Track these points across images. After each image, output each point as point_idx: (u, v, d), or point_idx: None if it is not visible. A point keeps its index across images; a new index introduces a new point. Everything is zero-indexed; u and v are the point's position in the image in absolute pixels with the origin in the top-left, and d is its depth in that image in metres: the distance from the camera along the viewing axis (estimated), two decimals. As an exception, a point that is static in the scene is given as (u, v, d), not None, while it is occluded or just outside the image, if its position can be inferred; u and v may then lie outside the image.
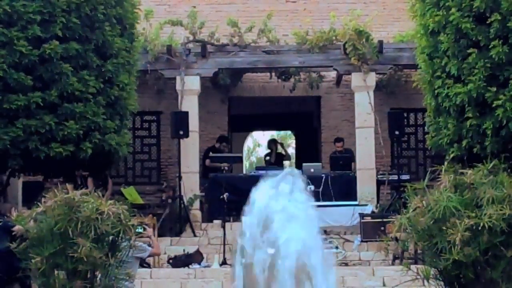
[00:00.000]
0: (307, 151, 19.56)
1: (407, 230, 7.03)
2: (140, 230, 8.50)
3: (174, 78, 15.51)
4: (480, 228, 6.55)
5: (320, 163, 16.04)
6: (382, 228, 12.32)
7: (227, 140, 16.94)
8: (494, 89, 10.09)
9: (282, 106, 18.96)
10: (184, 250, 12.89)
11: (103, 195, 7.64)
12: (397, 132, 14.72)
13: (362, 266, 12.51)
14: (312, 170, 14.86)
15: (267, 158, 18.01)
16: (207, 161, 16.15)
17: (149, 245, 9.63)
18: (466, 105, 10.41)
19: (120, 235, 7.31)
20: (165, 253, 13.17)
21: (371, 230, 12.99)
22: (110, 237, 7.34)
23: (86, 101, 11.26)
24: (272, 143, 18.26)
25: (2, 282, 9.05)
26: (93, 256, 7.07)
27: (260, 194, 6.40)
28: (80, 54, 11.22)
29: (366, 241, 13.25)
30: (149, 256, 9.94)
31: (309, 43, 15.45)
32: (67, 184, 7.79)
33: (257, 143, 35.42)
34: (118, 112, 12.00)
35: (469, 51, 10.34)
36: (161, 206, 15.10)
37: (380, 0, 17.48)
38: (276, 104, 18.70)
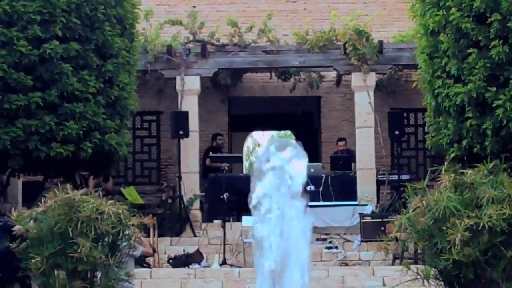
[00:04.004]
0: (307, 151, 19.50)
1: (407, 230, 7.02)
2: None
3: (174, 78, 15.52)
4: (480, 228, 6.54)
5: (320, 163, 16.04)
6: (382, 228, 12.31)
7: (221, 134, 16.93)
8: (494, 89, 10.10)
9: (282, 106, 18.96)
10: (184, 250, 12.89)
11: (103, 195, 7.64)
12: (397, 132, 14.72)
13: (362, 266, 12.51)
14: (312, 170, 14.85)
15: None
16: (207, 161, 16.15)
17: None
18: (466, 105, 10.42)
19: (120, 235, 7.31)
20: (165, 253, 13.18)
21: (371, 230, 12.99)
22: (110, 237, 7.34)
23: (86, 101, 11.26)
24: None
25: (2, 282, 9.05)
26: (93, 256, 7.07)
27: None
28: (80, 54, 11.21)
29: (366, 241, 13.25)
30: (141, 256, 9.93)
31: (309, 43, 15.46)
32: (67, 184, 7.78)
33: (257, 143, 35.39)
34: (118, 112, 12.00)
35: (469, 51, 10.34)
36: (161, 206, 15.11)
37: (380, 0, 17.48)
38: (276, 104, 18.70)
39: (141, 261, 11.67)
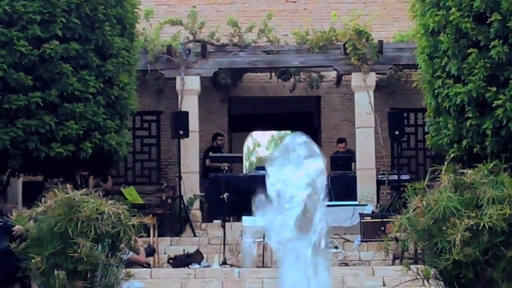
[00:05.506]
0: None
1: (407, 230, 7.02)
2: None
3: (174, 78, 15.52)
4: (480, 228, 6.54)
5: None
6: (382, 228, 12.31)
7: (221, 134, 16.95)
8: (494, 89, 10.10)
9: (282, 106, 18.96)
10: (184, 250, 12.89)
11: (104, 195, 7.64)
12: (397, 132, 14.72)
13: (362, 266, 12.50)
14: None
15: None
16: (207, 161, 16.15)
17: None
18: (466, 105, 10.42)
19: (120, 235, 7.31)
20: (165, 253, 13.18)
21: (371, 230, 12.99)
22: (110, 237, 7.34)
23: (86, 101, 11.26)
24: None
25: (2, 282, 9.05)
26: (93, 256, 7.07)
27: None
28: (80, 54, 11.22)
29: (366, 241, 13.25)
30: (131, 261, 10.02)
31: (309, 43, 15.45)
32: (67, 184, 7.79)
33: (257, 143, 35.40)
34: (118, 112, 12.00)
35: (469, 51, 10.34)
36: (161, 206, 15.11)
37: (380, 0, 17.49)
38: (276, 104, 18.70)
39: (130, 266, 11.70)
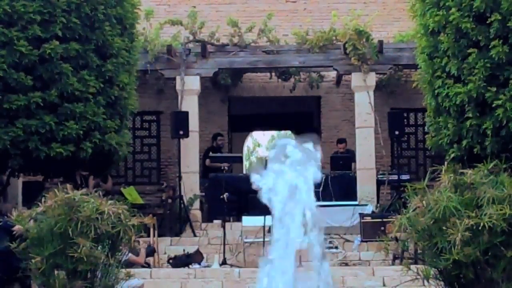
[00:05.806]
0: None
1: (407, 230, 7.03)
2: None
3: (174, 78, 15.52)
4: (480, 228, 6.55)
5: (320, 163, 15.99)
6: (382, 228, 12.31)
7: (221, 134, 16.95)
8: (494, 89, 10.10)
9: (282, 106, 18.96)
10: (184, 250, 12.89)
11: (104, 195, 7.65)
12: (397, 132, 14.72)
13: (362, 266, 12.50)
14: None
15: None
16: (207, 161, 16.15)
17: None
18: (466, 105, 10.42)
19: (120, 235, 7.32)
20: (165, 253, 13.18)
21: (371, 230, 12.99)
22: (110, 237, 7.35)
23: (86, 101, 11.27)
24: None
25: (2, 282, 9.05)
26: (93, 256, 7.08)
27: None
28: (80, 54, 11.23)
29: (366, 241, 13.25)
30: (130, 262, 10.04)
31: (309, 43, 15.45)
32: (67, 184, 7.79)
33: (257, 143, 35.39)
34: (118, 112, 12.01)
35: (469, 51, 10.35)
36: (161, 206, 15.11)
37: (380, 0, 17.48)
38: (276, 104, 18.70)
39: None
